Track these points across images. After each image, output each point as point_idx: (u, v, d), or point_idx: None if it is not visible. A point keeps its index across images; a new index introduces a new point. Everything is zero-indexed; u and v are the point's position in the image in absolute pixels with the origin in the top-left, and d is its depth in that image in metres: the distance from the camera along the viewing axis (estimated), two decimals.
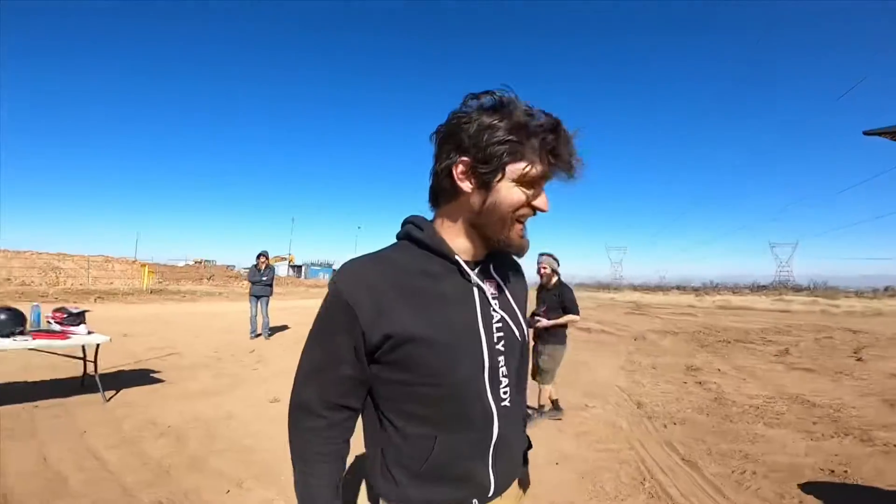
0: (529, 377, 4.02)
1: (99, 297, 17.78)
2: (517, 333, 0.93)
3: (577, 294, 4.37)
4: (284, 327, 10.59)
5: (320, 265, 51.02)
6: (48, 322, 4.40)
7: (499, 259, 0.95)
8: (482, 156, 0.77)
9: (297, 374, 0.88)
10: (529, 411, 4.22)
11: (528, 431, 1.06)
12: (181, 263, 31.47)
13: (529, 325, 4.00)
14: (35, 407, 4.05)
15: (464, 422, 0.84)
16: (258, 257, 8.66)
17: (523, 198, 0.81)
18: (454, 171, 0.80)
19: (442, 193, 0.86)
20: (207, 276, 29.06)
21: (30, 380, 4.93)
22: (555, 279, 4.19)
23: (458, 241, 0.87)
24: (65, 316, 4.36)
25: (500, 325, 0.89)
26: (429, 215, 0.92)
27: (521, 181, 0.80)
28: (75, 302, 16.42)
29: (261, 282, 8.58)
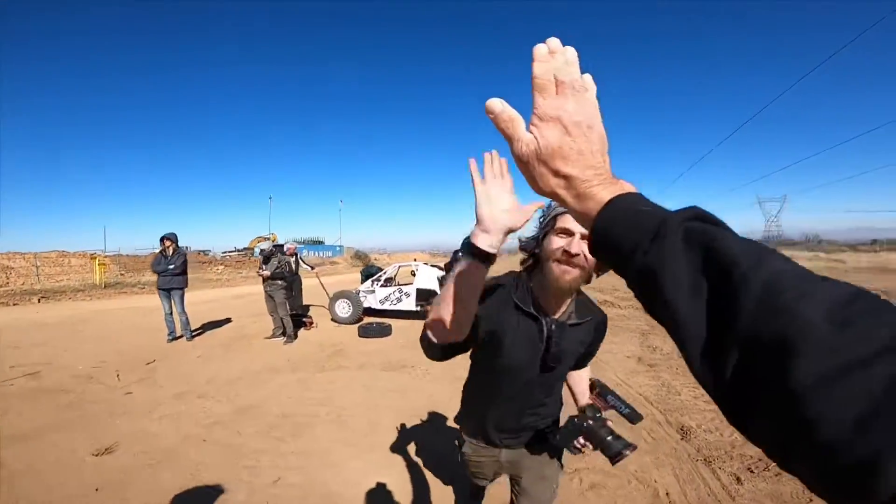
0: None
1: (44, 297, 15.92)
2: None
3: None
4: (226, 321, 8.84)
5: (305, 242, 49.14)
6: None
7: None
8: None
9: None
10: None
11: None
12: (146, 253, 29.44)
13: None
14: None
15: None
16: (162, 241, 6.81)
17: None
18: None
19: None
20: None
21: None
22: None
23: None
24: None
25: None
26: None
27: None
28: (16, 304, 14.67)
29: (167, 271, 6.74)
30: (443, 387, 4.77)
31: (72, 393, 4.49)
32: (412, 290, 8.48)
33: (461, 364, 2.39)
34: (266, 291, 6.91)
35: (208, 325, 8.43)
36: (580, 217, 0.45)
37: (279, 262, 6.81)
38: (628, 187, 0.44)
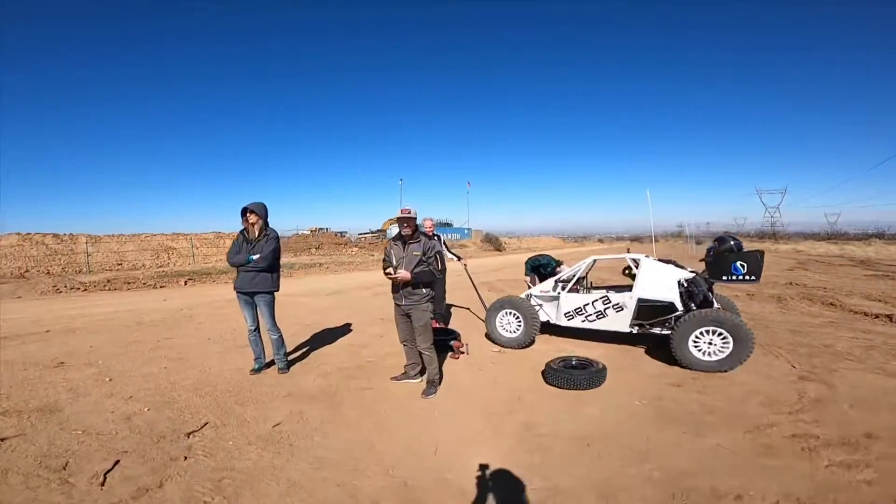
0: None
1: (190, 279, 15.91)
2: None
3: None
4: (342, 332, 6.31)
5: (433, 224, 47.94)
6: None
7: None
8: None
9: None
10: None
11: None
12: (290, 234, 30.46)
13: None
14: None
15: None
16: (244, 215, 4.24)
17: None
18: None
19: None
20: (316, 245, 27.22)
21: None
22: None
23: None
24: None
25: None
26: None
27: None
28: (163, 286, 14.73)
29: (249, 264, 4.16)
30: None
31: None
32: (629, 300, 4.89)
33: None
34: (399, 307, 3.87)
35: (316, 338, 5.96)
36: None
37: (425, 253, 3.75)
38: None
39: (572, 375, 3.95)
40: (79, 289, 13.23)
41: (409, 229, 3.74)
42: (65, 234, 20.40)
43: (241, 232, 4.28)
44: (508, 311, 5.31)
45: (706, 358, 4.32)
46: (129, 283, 14.63)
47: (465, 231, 48.96)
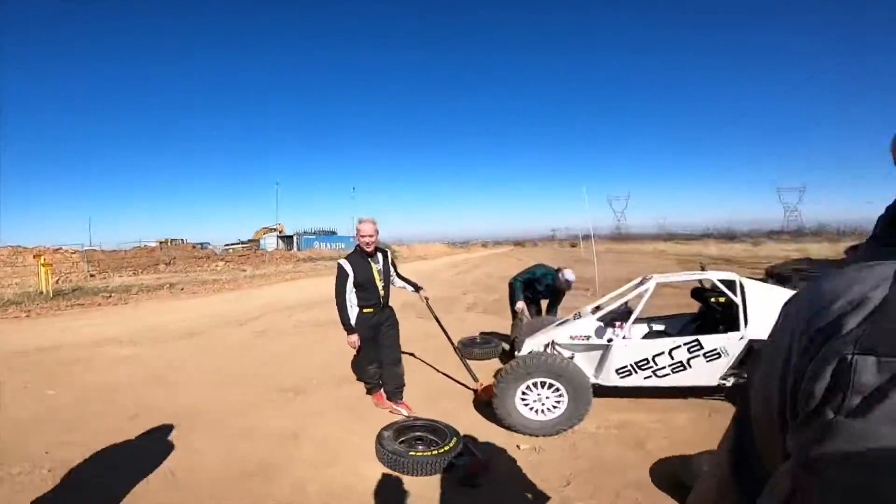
0: None
1: None
2: None
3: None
4: (205, 446, 3.40)
5: (316, 233, 43.60)
6: None
7: None
8: None
9: None
10: None
11: None
12: (129, 247, 24.01)
13: None
14: None
15: None
16: None
17: None
18: None
19: None
20: (166, 260, 21.67)
21: None
22: None
23: None
24: None
25: None
26: None
27: None
28: None
29: None
30: None
31: None
32: (734, 344, 3.04)
33: None
34: None
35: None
36: None
37: None
38: None
39: None
40: None
41: None
42: None
43: None
44: (542, 380, 3.03)
45: None
46: None
47: (351, 240, 45.58)
